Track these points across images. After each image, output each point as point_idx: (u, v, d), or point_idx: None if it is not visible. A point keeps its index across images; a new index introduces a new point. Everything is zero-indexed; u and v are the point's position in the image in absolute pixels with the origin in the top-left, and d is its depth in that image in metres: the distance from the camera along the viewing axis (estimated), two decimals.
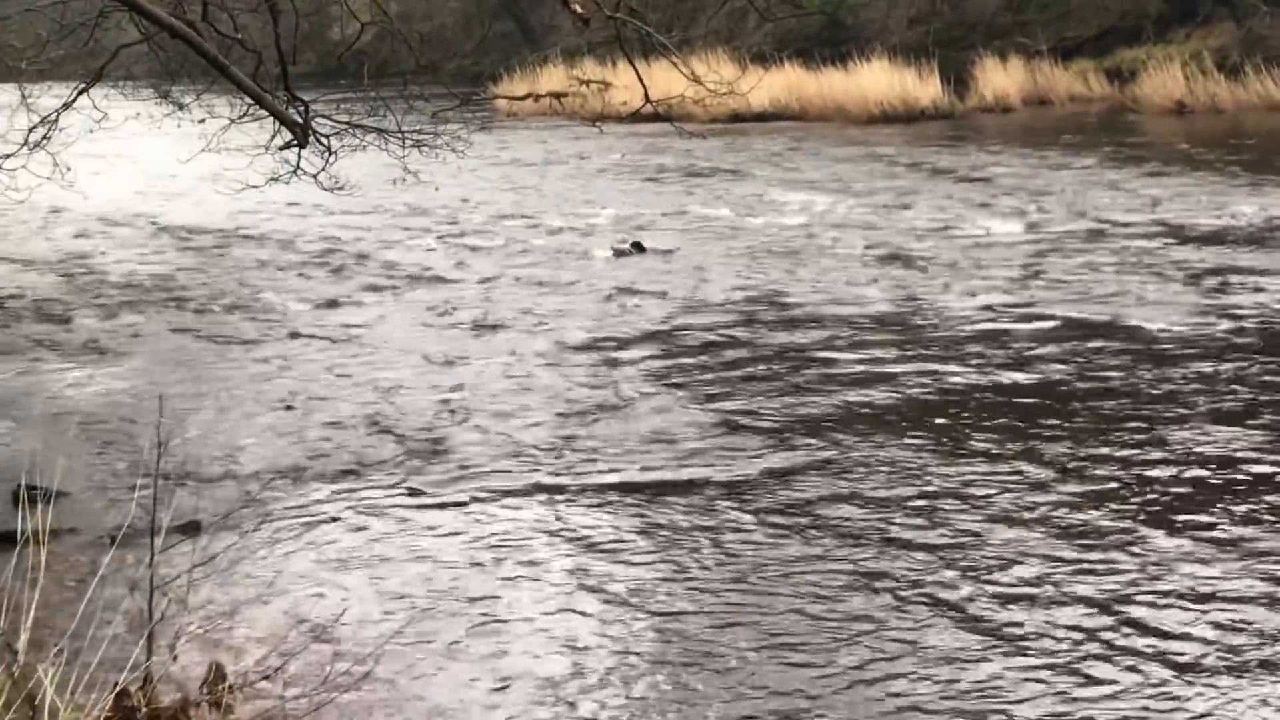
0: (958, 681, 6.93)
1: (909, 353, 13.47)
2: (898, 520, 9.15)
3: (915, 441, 10.74)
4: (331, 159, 14.63)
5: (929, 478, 9.92)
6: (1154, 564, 8.24)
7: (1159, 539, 8.61)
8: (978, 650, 7.25)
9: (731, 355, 13.72)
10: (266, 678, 5.66)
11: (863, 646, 7.34)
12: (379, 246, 20.66)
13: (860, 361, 13.20)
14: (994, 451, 10.42)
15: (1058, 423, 11.05)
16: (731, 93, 15.44)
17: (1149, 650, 7.18)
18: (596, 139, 29.24)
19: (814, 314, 15.31)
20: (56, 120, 14.78)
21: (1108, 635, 7.37)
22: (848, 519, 9.20)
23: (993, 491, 9.56)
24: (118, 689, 5.22)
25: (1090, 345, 13.39)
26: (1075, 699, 6.73)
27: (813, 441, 10.86)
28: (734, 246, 19.64)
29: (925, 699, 6.77)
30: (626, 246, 19.74)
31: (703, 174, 27.63)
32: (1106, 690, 6.80)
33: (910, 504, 9.43)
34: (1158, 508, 9.17)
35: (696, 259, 18.83)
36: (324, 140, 14.45)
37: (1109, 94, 36.90)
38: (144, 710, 5.19)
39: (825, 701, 6.80)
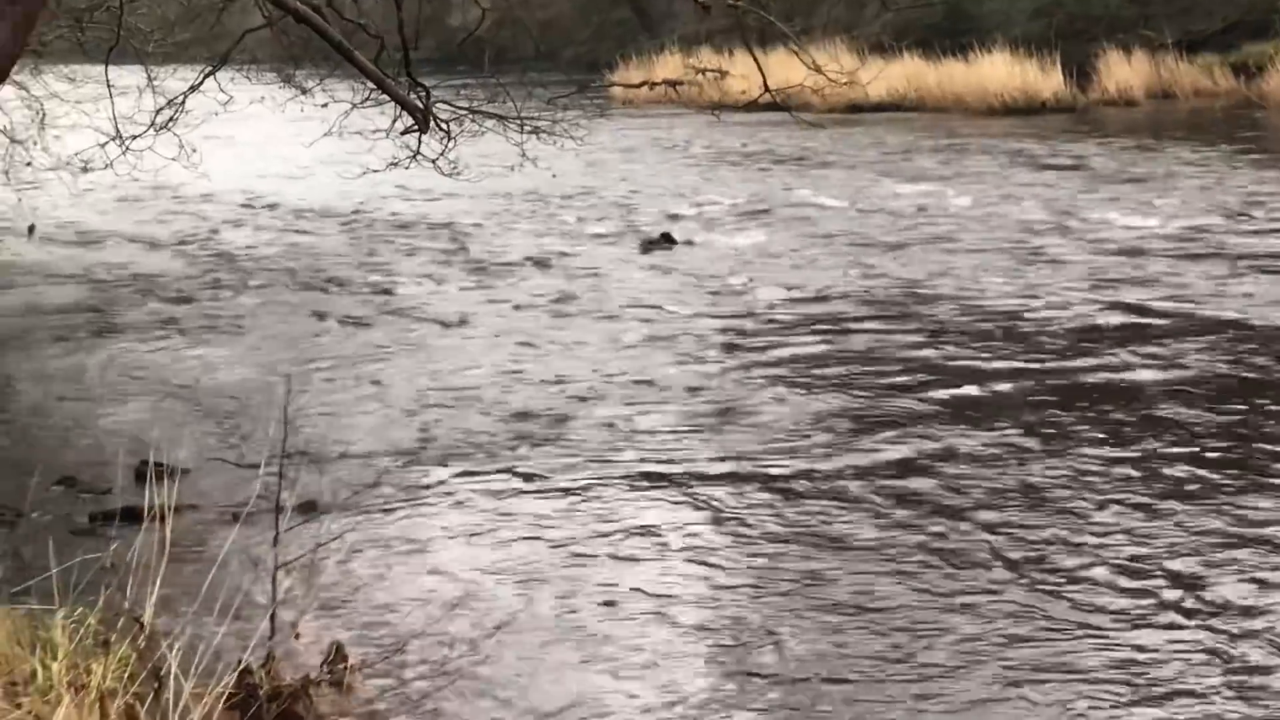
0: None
1: (1022, 347, 13.31)
2: (1010, 511, 9.07)
3: (1027, 434, 10.62)
4: (451, 144, 14.72)
5: (1039, 469, 9.82)
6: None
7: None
8: (1101, 628, 7.16)
9: (842, 345, 13.63)
10: (387, 658, 5.71)
11: (975, 628, 7.28)
12: (495, 231, 20.75)
13: (973, 355, 13.06)
14: (1110, 447, 10.28)
15: (1180, 419, 10.87)
16: (851, 82, 15.35)
17: None
18: (712, 128, 29.16)
19: (927, 306, 15.17)
20: (183, 102, 14.99)
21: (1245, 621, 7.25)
22: (961, 509, 9.13)
23: (1111, 485, 9.44)
24: (241, 666, 5.29)
25: (1214, 342, 13.15)
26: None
27: (922, 432, 10.77)
28: (847, 237, 19.51)
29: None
30: (656, 237, 19.53)
31: (818, 164, 27.47)
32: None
33: (1021, 494, 9.35)
34: None
35: (808, 249, 18.73)
36: (444, 125, 14.54)
37: (1234, 89, 36.19)
38: (266, 688, 5.26)
39: (951, 684, 6.74)
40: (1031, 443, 10.49)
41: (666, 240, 19.33)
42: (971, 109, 36.11)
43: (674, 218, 21.63)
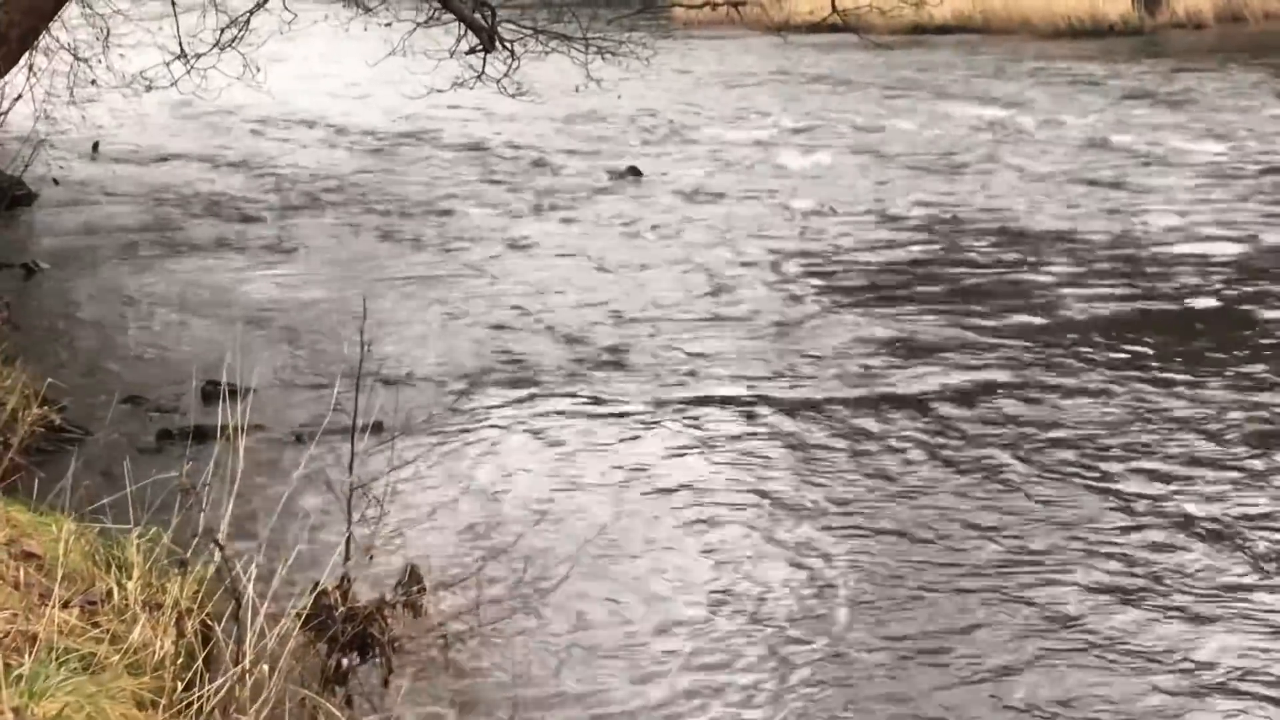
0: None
1: (1091, 273, 13.16)
2: (1078, 439, 8.99)
3: (1097, 362, 10.51)
4: (515, 64, 14.64)
5: (1111, 397, 9.72)
6: None
7: None
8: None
9: (909, 271, 13.52)
10: (461, 581, 5.70)
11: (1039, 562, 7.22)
12: (559, 153, 20.63)
13: (1040, 282, 12.93)
14: (1179, 376, 10.16)
15: (1256, 347, 10.73)
16: (919, 4, 15.15)
17: None
18: (776, 49, 28.84)
19: (993, 232, 15.01)
20: (248, 21, 14.93)
21: None
22: (1027, 438, 9.05)
23: (1186, 413, 9.33)
24: (318, 588, 5.29)
25: None
26: None
27: (991, 360, 10.68)
28: (909, 160, 19.30)
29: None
30: (623, 169, 18.93)
31: (882, 86, 27.15)
32: None
33: (1091, 424, 9.26)
34: None
35: (870, 172, 18.54)
36: (508, 45, 14.44)
37: None
38: (341, 609, 5.25)
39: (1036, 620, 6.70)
40: (1097, 373, 10.39)
41: (634, 172, 18.70)
42: (1037, 32, 35.61)
43: (735, 139, 21.44)
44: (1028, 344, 11.07)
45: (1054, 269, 13.38)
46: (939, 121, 22.67)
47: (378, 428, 8.68)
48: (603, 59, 15.11)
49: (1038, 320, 11.76)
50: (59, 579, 4.92)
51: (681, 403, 9.92)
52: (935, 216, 15.86)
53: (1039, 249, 14.19)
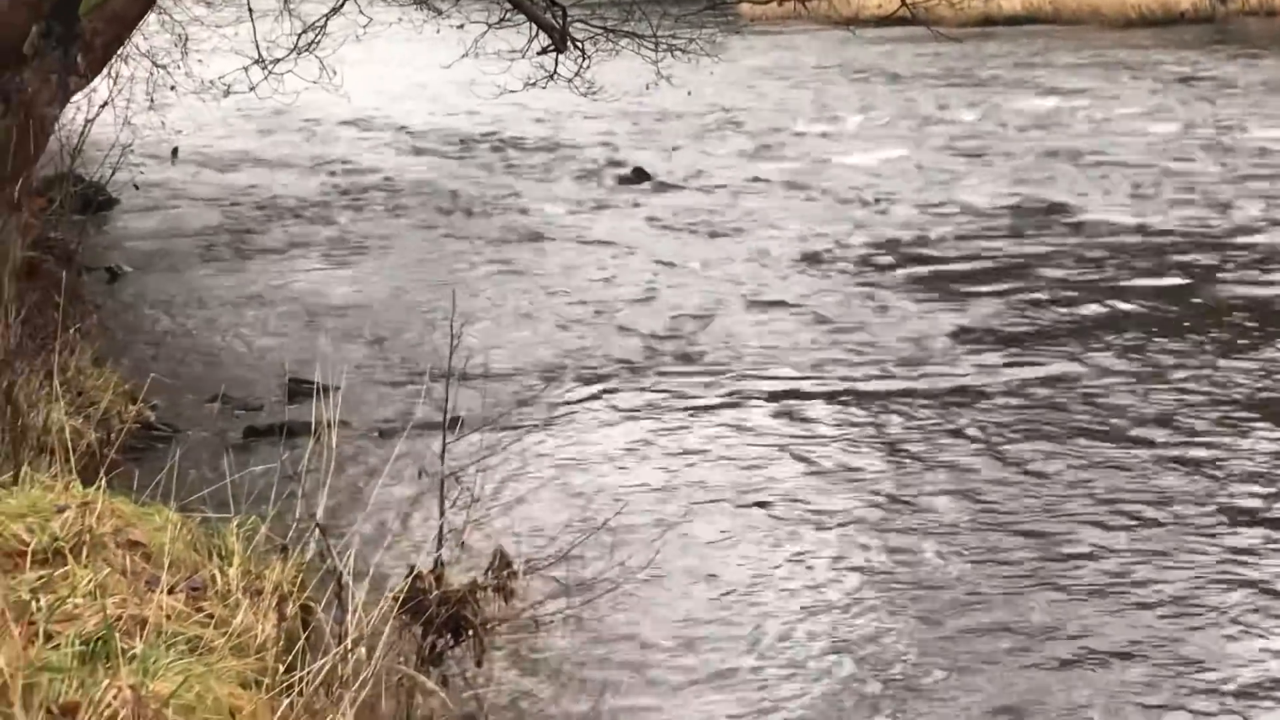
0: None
1: (1165, 265, 13.16)
2: (1147, 430, 9.03)
3: (1168, 353, 10.54)
4: (586, 64, 14.80)
5: (1181, 391, 9.75)
6: None
7: None
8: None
9: (977, 263, 13.57)
10: (549, 565, 5.86)
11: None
12: (630, 150, 20.76)
13: (1112, 274, 12.95)
14: (1259, 365, 10.17)
15: None
16: None
17: None
18: (844, 44, 28.86)
19: (1066, 223, 15.03)
20: (324, 26, 15.16)
21: None
22: (1102, 428, 9.10)
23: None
24: (413, 572, 5.45)
25: None
26: None
27: (1063, 352, 10.72)
28: (980, 152, 19.31)
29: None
30: (629, 173, 18.68)
31: (951, 79, 27.13)
32: None
33: (1167, 415, 9.30)
34: None
35: (941, 166, 18.57)
36: (579, 45, 14.61)
37: None
38: (435, 593, 5.42)
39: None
40: (1173, 361, 10.42)
41: (641, 175, 18.46)
42: (1108, 21, 35.43)
43: (805, 134, 21.51)
44: (1101, 335, 11.10)
45: (1127, 261, 13.39)
46: (1008, 114, 22.64)
47: (462, 421, 8.88)
48: (672, 56, 15.27)
49: (1110, 310, 11.79)
50: (165, 566, 5.10)
51: (754, 394, 10.05)
52: (1004, 208, 15.88)
53: (1111, 241, 14.20)
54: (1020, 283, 12.75)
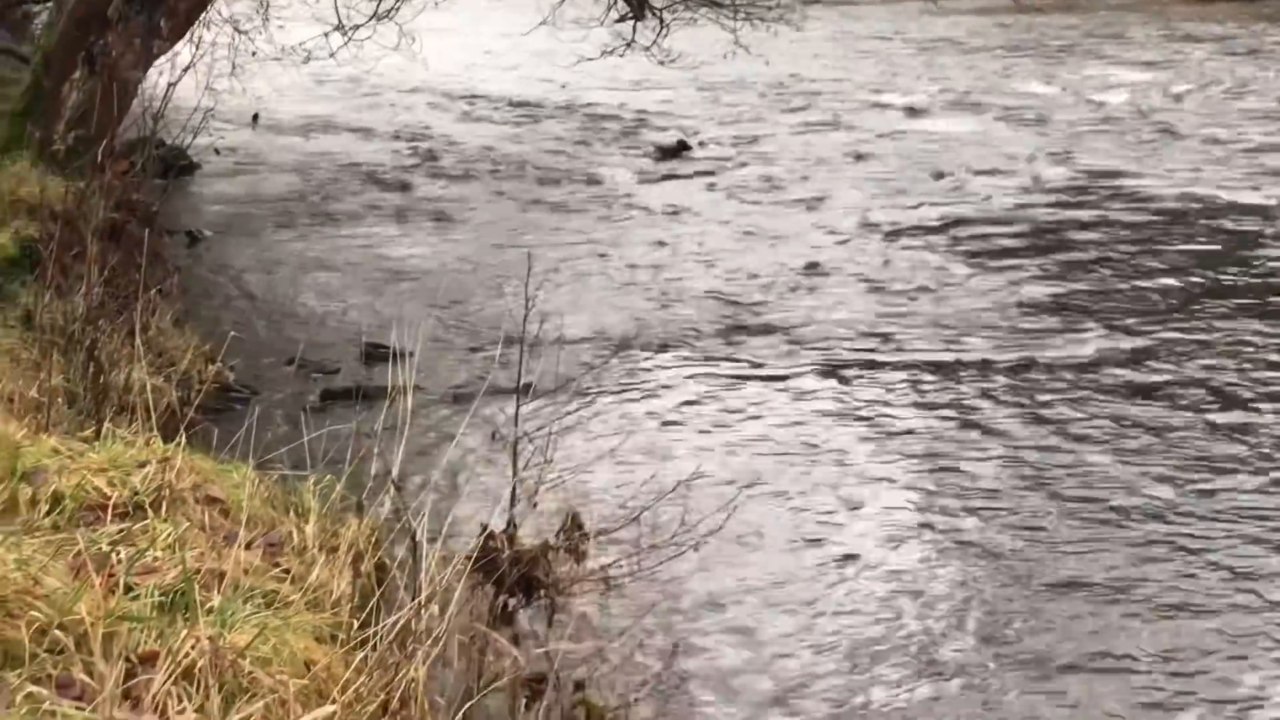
0: None
1: (1238, 240, 13.02)
2: (1214, 400, 8.98)
3: (1242, 327, 10.45)
4: (664, 31, 14.79)
5: (1252, 363, 9.66)
6: None
7: None
8: None
9: (1047, 236, 13.48)
10: (620, 528, 5.90)
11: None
12: (704, 121, 20.71)
13: (1185, 248, 12.82)
14: None
15: None
16: None
17: None
18: (924, 15, 28.67)
19: (1138, 198, 14.88)
20: None
21: None
22: (1167, 403, 9.04)
23: None
24: (486, 531, 5.51)
25: None
26: None
27: (1136, 325, 10.65)
28: (1059, 126, 19.14)
29: None
30: (673, 144, 18.41)
31: (1030, 50, 26.88)
32: None
33: (1240, 393, 9.23)
34: None
35: (1017, 139, 18.42)
36: (657, 13, 14.60)
37: None
38: (508, 552, 5.47)
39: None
40: (1247, 334, 10.32)
41: (682, 147, 18.20)
42: None
43: (877, 105, 21.38)
44: (1175, 309, 11.02)
45: (1199, 235, 13.26)
46: (1080, 86, 22.42)
47: (535, 386, 8.94)
48: (751, 25, 15.21)
49: (1183, 285, 11.69)
50: (242, 522, 5.18)
51: (828, 364, 10.06)
52: (1073, 180, 15.75)
53: (1181, 214, 14.06)
54: (1090, 255, 12.67)
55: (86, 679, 3.98)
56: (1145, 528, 7.33)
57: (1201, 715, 5.76)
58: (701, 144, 18.59)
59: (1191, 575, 6.78)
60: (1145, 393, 9.28)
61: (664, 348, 10.51)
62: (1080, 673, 6.02)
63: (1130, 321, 10.75)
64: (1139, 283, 11.76)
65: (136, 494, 5.19)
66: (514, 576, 5.46)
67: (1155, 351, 10.06)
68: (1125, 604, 6.57)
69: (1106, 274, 12.07)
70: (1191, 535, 7.20)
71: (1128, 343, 10.28)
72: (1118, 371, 9.71)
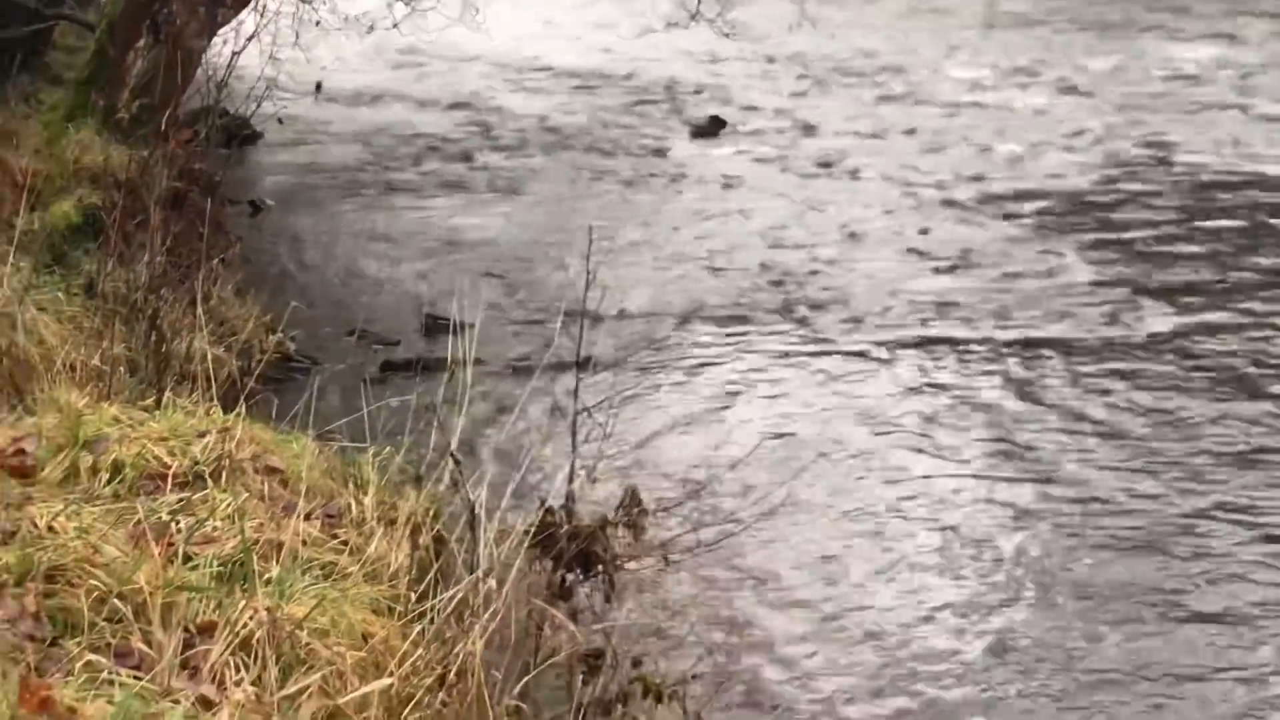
0: None
1: None
2: None
3: None
4: (729, 3, 14.69)
5: None
6: None
7: None
8: None
9: (1112, 213, 13.32)
10: (679, 504, 5.88)
11: None
12: (767, 93, 20.55)
13: (1255, 227, 12.65)
14: None
15: None
16: None
17: None
18: None
19: (1211, 176, 14.69)
20: None
21: None
22: (1246, 378, 8.94)
23: None
24: (544, 506, 5.49)
25: None
26: None
27: (1221, 302, 10.53)
28: (1117, 100, 18.89)
29: None
30: (704, 121, 17.91)
31: (1091, 24, 26.57)
32: None
33: None
34: None
35: (1077, 113, 18.20)
36: None
37: None
38: (566, 527, 5.45)
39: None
40: None
41: (716, 123, 17.73)
42: None
43: (947, 81, 21.18)
44: (1245, 288, 10.89)
45: (1270, 214, 13.08)
46: (1158, 60, 22.13)
47: (595, 359, 8.91)
48: None
49: (1256, 265, 11.55)
50: (301, 493, 5.18)
51: (886, 337, 9.99)
52: (1141, 158, 15.56)
53: (1249, 192, 13.87)
54: (1154, 233, 12.52)
55: (145, 648, 3.99)
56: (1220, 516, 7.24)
57: None
58: (755, 117, 18.47)
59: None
60: (1213, 371, 9.18)
61: (722, 320, 10.46)
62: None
63: (1193, 299, 10.63)
64: (1203, 260, 11.62)
65: (196, 463, 5.21)
66: (572, 551, 5.44)
67: (1218, 330, 9.94)
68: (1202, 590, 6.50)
69: (1169, 250, 11.94)
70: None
71: (1191, 319, 10.15)
72: (1181, 348, 9.61)
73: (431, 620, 4.71)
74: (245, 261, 11.31)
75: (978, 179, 14.74)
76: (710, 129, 17.54)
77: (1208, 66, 21.25)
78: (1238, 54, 22.15)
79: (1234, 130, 16.74)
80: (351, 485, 5.62)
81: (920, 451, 8.05)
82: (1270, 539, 6.90)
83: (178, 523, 4.71)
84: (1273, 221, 12.80)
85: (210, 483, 5.07)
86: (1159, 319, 10.27)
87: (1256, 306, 10.41)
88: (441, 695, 4.47)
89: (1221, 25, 25.22)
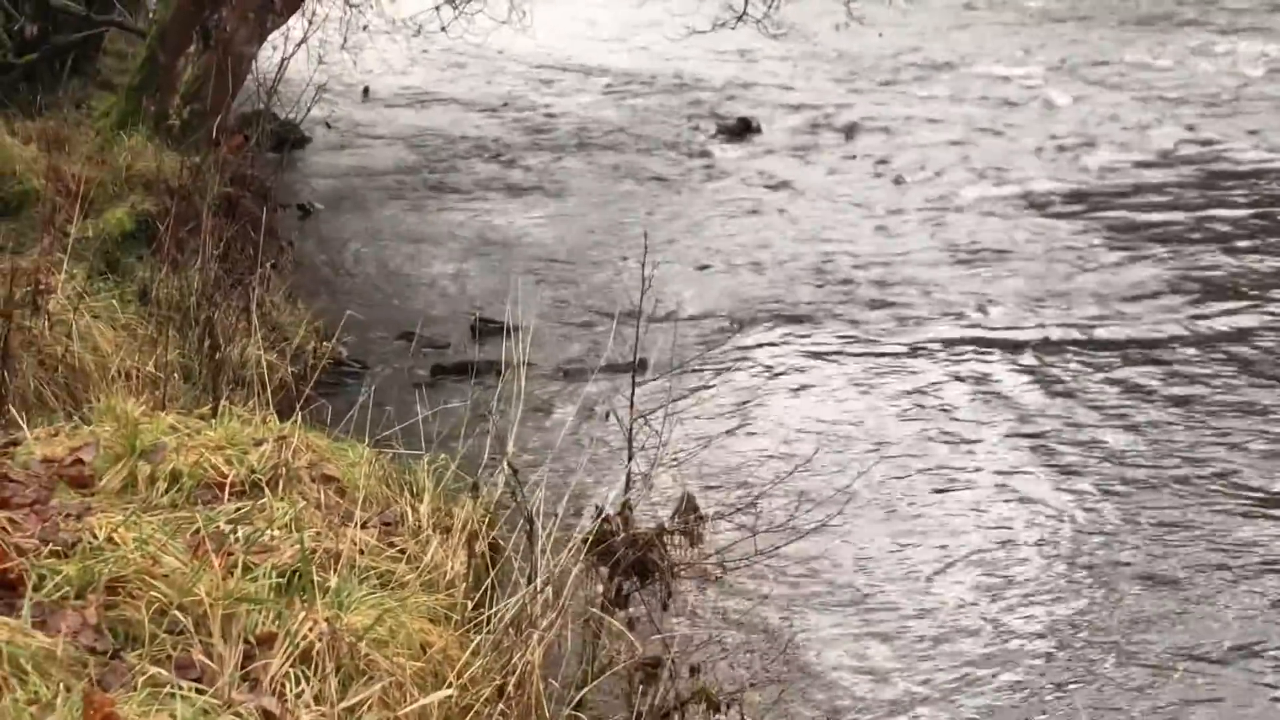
0: None
1: None
2: None
3: None
4: (775, 3, 14.65)
5: None
6: None
7: None
8: None
9: (1174, 211, 13.21)
10: (737, 511, 5.84)
11: None
12: (814, 93, 20.50)
13: None
14: None
15: None
16: None
17: None
18: None
19: (1261, 170, 14.55)
20: None
21: None
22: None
23: None
24: (601, 514, 5.47)
25: None
26: None
27: (1259, 306, 10.43)
28: (1178, 99, 18.75)
29: None
30: (732, 123, 17.69)
31: (1149, 20, 26.39)
32: None
33: None
34: None
35: (1131, 111, 18.07)
36: None
37: None
38: (622, 535, 5.42)
39: None
40: None
41: (745, 127, 17.44)
42: None
43: (993, 78, 21.07)
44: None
45: None
46: (1207, 58, 21.96)
47: (650, 364, 8.90)
48: None
49: None
50: (358, 501, 5.18)
51: (950, 344, 9.93)
52: (1195, 155, 15.43)
53: None
54: (1211, 233, 12.40)
55: (206, 660, 3.98)
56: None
57: None
58: (799, 116, 18.41)
59: None
60: (1266, 373, 9.10)
61: (780, 324, 10.42)
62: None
63: (1251, 301, 10.53)
64: (1258, 262, 11.50)
65: (254, 472, 5.21)
66: (629, 559, 5.41)
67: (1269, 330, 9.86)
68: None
69: (1225, 252, 11.82)
70: None
71: (1249, 321, 10.06)
72: (1239, 352, 9.51)
73: (489, 630, 4.70)
74: (296, 266, 11.35)
75: (1027, 180, 14.64)
76: (739, 130, 17.41)
77: (1251, 61, 21.07)
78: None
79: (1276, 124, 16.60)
80: (407, 493, 5.60)
81: (973, 452, 8.00)
82: None
83: (236, 532, 4.71)
84: None
85: (267, 491, 5.07)
86: (1210, 318, 10.18)
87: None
88: (500, 706, 4.45)
89: (1264, 20, 25.02)
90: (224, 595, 4.22)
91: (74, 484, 4.98)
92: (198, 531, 4.65)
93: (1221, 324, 10.05)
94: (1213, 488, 7.54)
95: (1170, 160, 15.24)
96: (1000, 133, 17.12)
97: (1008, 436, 8.27)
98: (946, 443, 8.20)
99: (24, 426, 5.44)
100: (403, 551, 5.10)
